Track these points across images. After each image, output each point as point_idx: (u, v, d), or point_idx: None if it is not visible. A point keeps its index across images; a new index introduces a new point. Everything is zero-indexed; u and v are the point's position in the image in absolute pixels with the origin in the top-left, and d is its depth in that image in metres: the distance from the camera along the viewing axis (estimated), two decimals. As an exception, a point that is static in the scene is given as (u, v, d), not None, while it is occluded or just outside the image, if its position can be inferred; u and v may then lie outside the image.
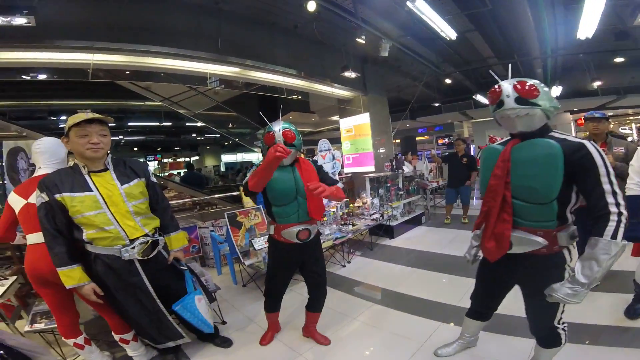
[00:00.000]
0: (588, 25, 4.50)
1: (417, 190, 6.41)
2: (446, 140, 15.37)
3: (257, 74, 5.18)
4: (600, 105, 11.20)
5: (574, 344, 1.98)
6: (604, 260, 1.24)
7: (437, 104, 11.87)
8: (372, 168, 6.70)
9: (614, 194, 1.25)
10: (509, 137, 1.54)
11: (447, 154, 6.75)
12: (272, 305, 2.31)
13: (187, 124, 13.82)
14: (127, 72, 4.48)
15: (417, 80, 7.91)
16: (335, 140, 7.70)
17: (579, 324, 2.18)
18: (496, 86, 1.44)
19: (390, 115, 7.82)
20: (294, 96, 7.56)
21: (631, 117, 13.99)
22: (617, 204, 1.25)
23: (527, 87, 1.36)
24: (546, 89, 1.39)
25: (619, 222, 1.23)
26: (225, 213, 3.83)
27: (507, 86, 1.39)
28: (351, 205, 5.31)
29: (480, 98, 9.56)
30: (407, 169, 6.44)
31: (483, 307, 1.84)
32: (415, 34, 5.69)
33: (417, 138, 16.55)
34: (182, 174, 11.56)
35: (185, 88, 6.83)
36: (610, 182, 1.26)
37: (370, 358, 2.19)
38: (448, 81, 7.83)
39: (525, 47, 6.57)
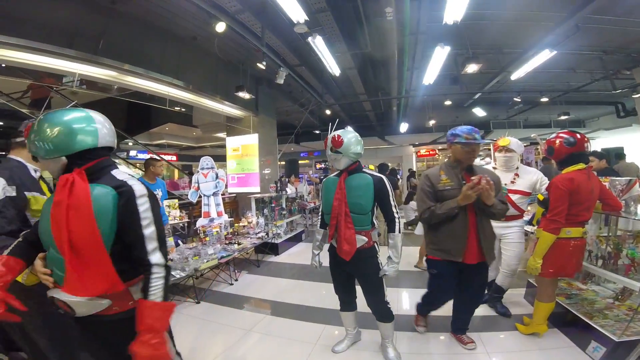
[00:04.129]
0: (432, 72, 5.74)
1: (298, 210, 6.89)
2: (323, 165, 16.88)
3: (136, 80, 4.70)
4: (433, 140, 14.54)
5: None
6: (398, 246, 2.06)
7: (317, 131, 13.06)
8: (257, 188, 6.80)
9: (396, 207, 2.07)
10: (339, 170, 2.15)
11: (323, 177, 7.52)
12: None
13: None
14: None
15: (303, 107, 8.58)
16: (219, 158, 7.52)
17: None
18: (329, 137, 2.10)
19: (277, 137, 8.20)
20: (177, 108, 7.10)
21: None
22: (397, 213, 2.07)
23: (337, 140, 2.04)
24: (353, 139, 2.06)
25: (398, 222, 2.06)
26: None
27: (330, 139, 2.08)
28: (236, 225, 5.28)
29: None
30: (290, 190, 6.83)
31: (346, 296, 2.30)
32: (308, 65, 6.27)
33: (299, 162, 17.59)
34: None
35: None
36: (394, 201, 2.08)
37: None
38: (328, 112, 8.81)
39: (388, 87, 8.03)
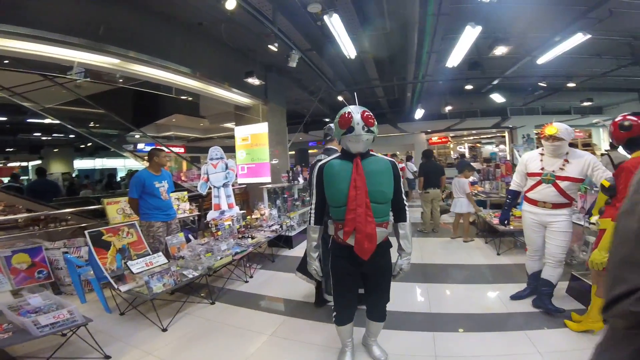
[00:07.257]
0: (458, 54, 5.40)
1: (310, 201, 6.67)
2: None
3: (141, 68, 4.49)
4: (447, 127, 14.07)
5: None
6: (409, 236, 1.91)
7: (327, 119, 12.74)
8: (268, 179, 6.59)
9: (405, 194, 1.93)
10: (335, 155, 1.92)
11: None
12: None
13: (28, 120, 10.82)
14: None
15: (313, 94, 8.30)
16: (227, 149, 7.31)
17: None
18: (346, 113, 1.74)
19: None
20: (184, 97, 6.89)
21: (465, 138, 17.84)
22: (405, 200, 1.93)
23: (369, 117, 1.75)
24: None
25: (407, 210, 1.92)
26: (85, 232, 3.09)
27: (357, 115, 1.72)
28: (248, 217, 5.09)
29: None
30: (302, 180, 6.62)
31: (351, 304, 1.97)
32: (320, 49, 5.98)
33: (308, 151, 17.35)
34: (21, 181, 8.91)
35: (36, 77, 5.38)
36: (403, 186, 1.92)
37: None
38: (340, 98, 8.48)
39: (404, 71, 7.63)
